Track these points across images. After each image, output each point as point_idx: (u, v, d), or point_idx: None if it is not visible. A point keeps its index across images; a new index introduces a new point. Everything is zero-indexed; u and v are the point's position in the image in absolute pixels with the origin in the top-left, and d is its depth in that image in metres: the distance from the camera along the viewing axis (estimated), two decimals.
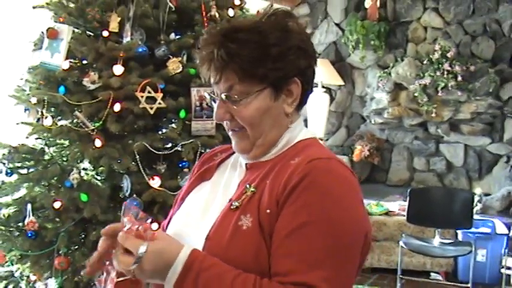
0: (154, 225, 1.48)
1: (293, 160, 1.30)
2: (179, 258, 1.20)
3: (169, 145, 3.09)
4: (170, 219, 1.52)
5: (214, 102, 1.38)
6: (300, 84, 1.35)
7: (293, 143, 1.39)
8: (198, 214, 1.40)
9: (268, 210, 1.24)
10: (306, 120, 6.72)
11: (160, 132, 3.13)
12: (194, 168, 1.60)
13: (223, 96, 1.33)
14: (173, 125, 3.14)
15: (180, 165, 3.08)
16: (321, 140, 6.30)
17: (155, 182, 2.98)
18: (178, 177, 3.04)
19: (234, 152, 1.49)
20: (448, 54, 6.04)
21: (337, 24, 7.01)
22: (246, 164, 1.43)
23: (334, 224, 1.19)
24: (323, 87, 6.70)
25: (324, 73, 6.61)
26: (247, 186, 1.32)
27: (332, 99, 7.02)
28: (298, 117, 1.43)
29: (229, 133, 1.42)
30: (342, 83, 6.83)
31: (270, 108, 1.34)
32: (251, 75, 1.30)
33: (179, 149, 3.05)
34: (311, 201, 1.21)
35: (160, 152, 3.03)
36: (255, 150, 1.38)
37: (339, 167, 1.29)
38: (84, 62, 3.20)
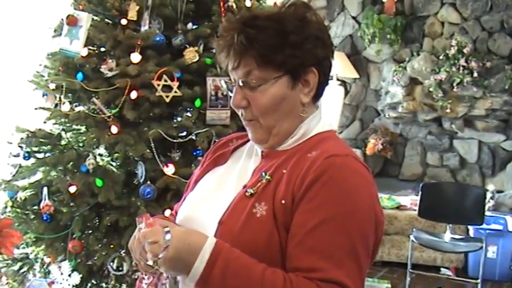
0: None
1: (310, 153, 1.31)
2: (206, 245, 1.22)
3: (184, 133, 3.11)
4: (182, 202, 1.54)
5: (231, 91, 1.40)
6: (317, 74, 1.36)
7: (310, 135, 1.39)
8: (211, 198, 1.42)
9: (283, 201, 1.26)
10: None
11: (175, 121, 3.15)
12: (208, 154, 1.62)
13: (240, 82, 1.35)
14: (188, 114, 3.16)
15: (194, 153, 3.11)
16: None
17: (169, 170, 3.01)
18: (192, 165, 3.06)
19: (249, 140, 1.49)
20: (465, 50, 6.02)
21: (353, 18, 7.00)
22: (262, 151, 1.44)
23: (353, 220, 1.22)
24: (338, 79, 6.70)
25: (340, 66, 6.61)
26: (263, 174, 1.34)
27: (347, 92, 7.02)
28: (315, 109, 1.43)
29: (244, 123, 1.42)
30: (357, 76, 6.83)
31: (286, 96, 1.35)
32: (269, 61, 1.32)
33: (194, 137, 3.07)
34: (329, 198, 1.23)
35: (175, 140, 3.05)
36: (271, 139, 1.39)
37: (355, 164, 1.31)
38: (102, 49, 3.23)
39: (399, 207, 5.74)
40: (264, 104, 1.35)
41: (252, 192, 1.31)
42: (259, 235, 1.25)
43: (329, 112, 6.62)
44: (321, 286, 1.17)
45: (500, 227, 5.31)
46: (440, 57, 6.20)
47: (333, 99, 6.65)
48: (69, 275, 3.03)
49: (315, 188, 1.23)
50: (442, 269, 5.52)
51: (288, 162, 1.33)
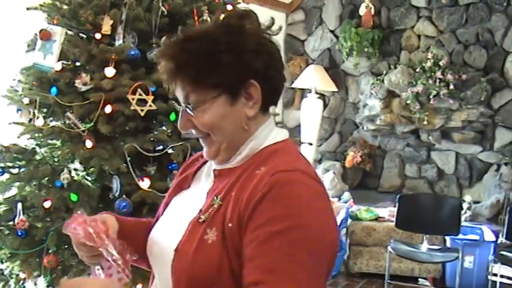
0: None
1: (258, 170, 1.29)
2: None
3: (160, 147, 3.11)
4: (155, 222, 1.53)
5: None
6: (258, 85, 1.33)
7: (259, 149, 1.37)
8: (171, 225, 1.42)
9: (230, 224, 1.25)
10: (299, 126, 6.77)
11: (150, 135, 3.15)
12: (177, 175, 1.62)
13: (183, 105, 1.35)
14: (163, 128, 3.16)
15: (170, 167, 3.10)
16: (310, 144, 6.34)
17: (145, 184, 3.01)
18: (168, 179, 3.07)
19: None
20: (441, 63, 6.09)
21: (331, 31, 7.06)
22: (214, 171, 1.42)
23: (299, 234, 1.19)
24: (317, 93, 6.74)
25: (318, 79, 6.66)
26: (215, 198, 1.33)
27: (325, 105, 7.06)
28: (265, 120, 1.40)
29: (201, 141, 1.41)
30: (335, 89, 6.88)
31: (228, 113, 1.33)
32: (202, 83, 1.31)
33: (169, 151, 3.08)
34: (275, 214, 1.20)
35: (150, 154, 3.05)
36: (221, 155, 1.37)
37: (303, 178, 1.27)
38: (77, 63, 3.22)
39: (377, 219, 5.78)
40: (206, 124, 1.33)
41: (204, 218, 1.30)
42: (211, 261, 1.24)
43: (308, 125, 6.67)
44: None
45: (476, 237, 5.36)
46: (417, 70, 6.27)
47: (311, 112, 6.69)
48: None
49: (261, 207, 1.21)
50: (419, 279, 5.56)
51: (237, 183, 1.31)
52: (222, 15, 1.40)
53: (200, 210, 1.34)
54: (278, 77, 1.39)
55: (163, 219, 1.50)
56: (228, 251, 1.24)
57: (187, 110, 1.34)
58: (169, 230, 1.41)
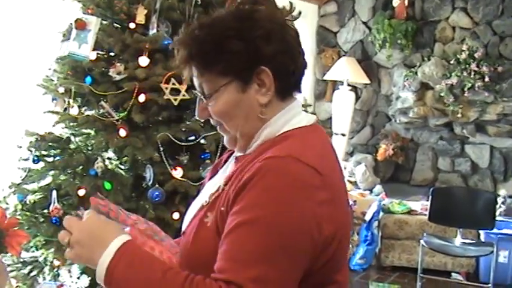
0: None
1: (262, 155, 1.27)
2: (117, 239, 1.24)
3: (192, 137, 3.12)
4: None
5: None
6: (269, 72, 1.31)
7: (276, 135, 1.34)
8: (191, 210, 1.45)
9: (222, 208, 1.25)
10: (330, 118, 6.73)
11: (183, 124, 3.16)
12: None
13: (198, 93, 1.37)
14: (196, 117, 3.16)
15: (202, 156, 3.12)
16: (343, 135, 6.31)
17: (177, 173, 3.02)
18: (200, 168, 3.07)
19: None
20: (476, 55, 6.00)
21: (364, 23, 6.98)
22: (236, 157, 1.43)
23: (270, 224, 1.17)
24: (349, 85, 6.69)
25: (350, 71, 6.61)
26: (222, 183, 1.34)
27: (358, 97, 7.00)
28: (283, 106, 1.37)
29: (218, 130, 1.43)
30: (368, 81, 6.82)
31: (240, 100, 1.32)
32: (212, 70, 1.31)
33: (202, 140, 3.08)
34: (251, 201, 1.19)
35: (183, 143, 3.06)
36: (238, 143, 1.38)
37: (292, 166, 1.22)
38: (111, 53, 3.25)
39: (410, 212, 5.72)
40: (218, 112, 1.34)
41: (208, 201, 1.33)
42: (207, 243, 1.26)
43: (340, 118, 6.63)
44: (222, 287, 1.14)
45: (511, 232, 5.26)
46: (451, 62, 6.18)
47: (343, 104, 6.65)
48: (78, 278, 3.04)
49: (243, 192, 1.21)
50: (452, 273, 5.49)
51: (240, 169, 1.31)
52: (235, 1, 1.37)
53: (210, 195, 1.36)
54: (292, 63, 1.35)
55: (191, 205, 1.51)
56: (220, 233, 1.24)
57: (204, 98, 1.35)
58: (188, 215, 1.45)
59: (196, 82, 1.36)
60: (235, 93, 1.32)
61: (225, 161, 1.53)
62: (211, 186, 1.43)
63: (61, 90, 3.21)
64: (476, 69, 5.94)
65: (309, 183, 1.22)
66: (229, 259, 1.17)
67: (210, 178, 1.55)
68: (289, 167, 1.21)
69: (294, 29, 1.38)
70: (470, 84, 5.93)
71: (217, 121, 1.37)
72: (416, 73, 6.39)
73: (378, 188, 6.35)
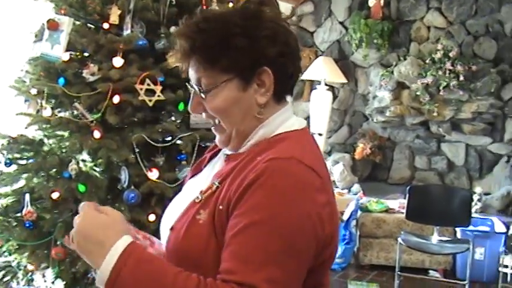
0: None
1: (260, 156, 1.27)
2: (121, 240, 1.20)
3: (168, 138, 3.10)
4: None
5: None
6: (271, 73, 1.31)
7: (271, 136, 1.35)
8: (176, 206, 1.43)
9: (220, 207, 1.24)
10: (308, 118, 6.74)
11: (159, 125, 3.13)
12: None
13: (195, 87, 1.35)
14: (172, 118, 3.14)
15: (179, 157, 3.09)
16: (320, 135, 6.32)
17: (153, 174, 2.99)
18: (176, 169, 3.05)
19: None
20: (451, 54, 6.06)
21: (341, 23, 7.01)
22: (226, 156, 1.42)
23: (279, 225, 1.17)
24: (326, 84, 6.71)
25: (328, 71, 6.63)
26: (215, 181, 1.33)
27: (335, 97, 7.03)
28: (279, 108, 1.38)
29: (212, 128, 1.42)
30: (345, 81, 6.84)
31: (239, 98, 1.32)
32: (215, 65, 1.30)
33: (178, 141, 3.06)
34: (258, 202, 1.18)
35: (158, 145, 3.04)
36: (232, 142, 1.37)
37: (296, 168, 1.23)
38: (85, 54, 3.21)
39: (387, 211, 5.75)
40: (216, 108, 1.33)
41: (201, 198, 1.31)
42: (198, 240, 1.24)
43: (317, 117, 6.64)
44: None
45: (487, 229, 5.32)
46: (427, 61, 6.23)
47: (321, 104, 6.66)
48: (53, 283, 3.00)
49: (248, 193, 1.20)
50: (430, 271, 5.53)
51: (238, 167, 1.31)
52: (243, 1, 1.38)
53: (201, 191, 1.34)
54: (292, 67, 1.37)
55: (172, 202, 1.51)
56: (216, 233, 1.23)
57: (199, 92, 1.33)
58: (172, 211, 1.42)
59: (193, 76, 1.34)
60: (236, 91, 1.32)
61: (209, 159, 1.54)
62: (199, 183, 1.42)
63: (33, 91, 3.17)
64: (451, 68, 6.00)
65: (312, 185, 1.24)
66: (239, 260, 1.15)
67: (192, 176, 1.55)
68: (293, 169, 1.23)
69: (294, 33, 1.39)
70: (445, 83, 5.99)
71: (212, 117, 1.36)
72: (392, 72, 6.43)
73: (356, 187, 6.38)
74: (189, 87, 1.40)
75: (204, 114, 1.38)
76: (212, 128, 1.41)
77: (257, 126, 1.35)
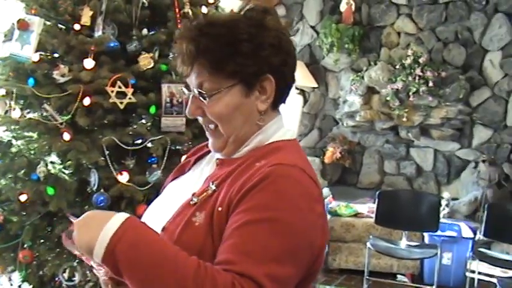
0: None
1: (259, 162, 1.29)
2: (115, 217, 1.16)
3: (139, 141, 3.08)
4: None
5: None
6: (273, 81, 1.34)
7: (266, 143, 1.37)
8: (164, 206, 1.42)
9: (219, 208, 1.24)
10: None
11: (129, 128, 3.11)
12: (181, 162, 1.62)
13: (195, 91, 1.34)
14: (143, 121, 3.13)
15: (149, 160, 3.08)
16: None
17: (123, 177, 2.97)
18: (147, 172, 3.03)
19: None
20: (420, 60, 6.12)
21: (312, 27, 7.04)
22: (217, 160, 1.43)
23: (283, 225, 1.17)
24: (297, 88, 6.73)
25: (298, 75, 6.60)
26: (211, 183, 1.33)
27: (305, 101, 7.06)
28: (274, 116, 1.41)
29: (206, 132, 1.42)
30: (315, 85, 6.87)
31: (241, 104, 1.33)
32: (220, 70, 1.30)
33: (148, 144, 3.04)
34: (263, 202, 1.19)
35: (129, 147, 3.02)
36: (227, 147, 1.38)
37: (300, 175, 1.26)
38: (55, 54, 3.18)
39: (356, 215, 5.78)
40: (218, 113, 1.33)
41: (196, 201, 1.31)
42: (194, 242, 1.23)
43: (288, 121, 6.64)
44: (236, 278, 1.10)
45: (454, 234, 5.38)
46: (397, 67, 6.28)
47: (291, 108, 6.68)
48: (20, 286, 2.98)
49: (251, 193, 1.20)
50: (398, 275, 5.57)
51: (235, 171, 1.31)
52: (243, 7, 1.38)
53: (193, 194, 1.34)
54: (291, 76, 1.40)
55: (157, 201, 1.50)
56: (213, 235, 1.23)
57: (201, 97, 1.33)
58: (161, 211, 1.40)
59: (195, 80, 1.33)
60: (238, 97, 1.32)
61: (194, 163, 1.54)
62: (187, 186, 1.42)
63: (2, 92, 3.13)
64: (420, 74, 6.06)
65: (312, 195, 1.27)
66: (240, 252, 1.14)
67: (174, 179, 1.55)
68: (297, 176, 1.25)
69: (294, 44, 1.42)
70: (415, 89, 6.04)
71: (210, 122, 1.36)
72: (363, 77, 6.48)
73: (325, 191, 6.40)
74: (184, 91, 1.41)
75: (201, 119, 1.38)
76: (207, 132, 1.42)
77: (255, 133, 1.37)
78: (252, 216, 1.18)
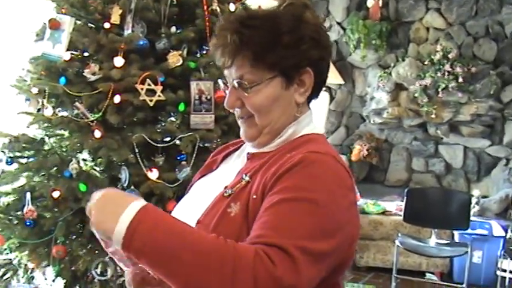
0: None
1: (290, 153, 1.30)
2: (135, 202, 1.12)
3: (168, 138, 3.10)
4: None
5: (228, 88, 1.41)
6: (312, 74, 1.36)
7: (298, 136, 1.39)
8: (196, 201, 1.43)
9: (254, 196, 1.26)
10: None
11: (159, 125, 3.14)
12: (207, 160, 1.64)
13: (235, 82, 1.36)
14: (172, 118, 3.15)
15: (178, 158, 3.09)
16: None
17: (153, 174, 2.99)
18: (176, 169, 3.05)
19: (242, 145, 1.52)
20: (450, 55, 6.06)
21: (338, 23, 6.99)
22: (248, 154, 1.44)
23: (316, 205, 1.16)
24: None
25: None
26: (244, 176, 1.34)
27: (332, 98, 7.04)
28: (307, 110, 1.44)
29: (239, 121, 1.44)
30: (342, 82, 6.85)
31: (280, 96, 1.35)
32: (262, 61, 1.32)
33: (177, 142, 3.06)
34: (297, 183, 1.19)
35: (159, 145, 3.04)
36: (261, 137, 1.40)
37: (333, 164, 1.27)
38: (85, 53, 3.21)
39: (384, 213, 5.76)
40: (258, 105, 1.35)
41: (230, 192, 1.32)
42: (230, 233, 1.22)
43: (314, 118, 6.63)
44: (262, 248, 1.08)
45: (485, 232, 5.32)
46: (426, 63, 6.24)
47: (318, 105, 6.64)
48: (53, 281, 3.02)
49: (284, 177, 1.21)
50: (427, 274, 5.54)
51: (267, 163, 1.33)
52: (282, 1, 1.39)
53: (226, 186, 1.35)
54: (326, 72, 1.43)
55: (188, 196, 1.52)
56: (249, 224, 1.23)
57: (241, 88, 1.35)
58: (192, 206, 1.42)
59: (237, 70, 1.35)
60: (278, 89, 1.35)
61: (222, 161, 1.56)
62: (218, 181, 1.43)
63: (35, 90, 3.17)
64: (450, 69, 6.00)
65: (346, 183, 1.28)
66: (270, 228, 1.13)
67: (202, 177, 1.57)
68: (331, 164, 1.27)
69: (331, 40, 1.45)
70: (444, 85, 5.99)
71: (247, 112, 1.38)
72: (390, 74, 6.44)
73: None
74: (220, 83, 1.44)
75: (238, 110, 1.40)
76: (239, 121, 1.43)
77: (289, 124, 1.39)
78: (284, 195, 1.18)
